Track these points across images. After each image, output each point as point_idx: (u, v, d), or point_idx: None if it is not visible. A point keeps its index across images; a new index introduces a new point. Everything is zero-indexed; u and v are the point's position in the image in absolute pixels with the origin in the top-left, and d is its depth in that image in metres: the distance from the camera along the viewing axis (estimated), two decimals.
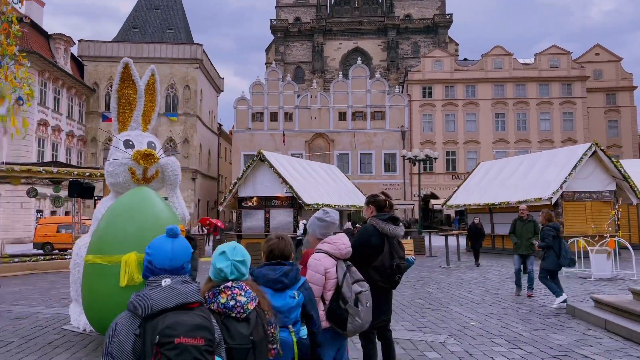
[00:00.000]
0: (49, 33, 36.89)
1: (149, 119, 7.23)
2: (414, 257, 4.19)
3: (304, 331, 2.68)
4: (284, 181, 17.95)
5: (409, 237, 19.40)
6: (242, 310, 2.18)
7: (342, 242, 3.45)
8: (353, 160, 46.06)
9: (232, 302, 2.18)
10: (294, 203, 18.16)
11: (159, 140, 8.05)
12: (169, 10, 48.92)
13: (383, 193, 4.21)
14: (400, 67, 64.49)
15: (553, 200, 17.49)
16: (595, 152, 18.32)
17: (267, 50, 67.80)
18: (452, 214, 41.77)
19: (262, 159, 18.65)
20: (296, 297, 2.62)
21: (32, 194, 15.35)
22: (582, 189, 18.35)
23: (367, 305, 3.28)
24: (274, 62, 54.90)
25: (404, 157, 23.53)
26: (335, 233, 3.56)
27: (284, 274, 2.65)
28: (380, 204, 4.13)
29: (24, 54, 7.67)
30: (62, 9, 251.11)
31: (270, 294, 2.52)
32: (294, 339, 2.58)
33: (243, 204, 19.31)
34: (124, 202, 5.60)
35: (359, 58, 54.74)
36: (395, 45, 65.31)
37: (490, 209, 21.13)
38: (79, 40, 42.64)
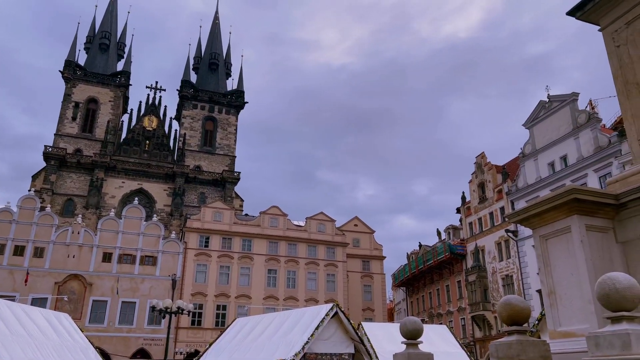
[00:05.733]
0: None
1: None
2: None
3: None
4: None
5: None
6: None
7: None
8: (112, 309, 40.61)
9: None
10: None
11: None
12: None
13: None
14: (185, 214, 63.62)
15: None
16: (336, 313, 19.08)
17: (35, 177, 60.23)
18: None
19: None
20: None
21: None
22: (324, 351, 18.45)
23: None
24: (32, 189, 48.48)
25: (153, 307, 21.15)
26: None
27: None
28: None
29: None
30: None
31: None
32: None
33: None
34: None
35: (139, 199, 52.38)
36: (182, 192, 65.13)
37: None
38: None
